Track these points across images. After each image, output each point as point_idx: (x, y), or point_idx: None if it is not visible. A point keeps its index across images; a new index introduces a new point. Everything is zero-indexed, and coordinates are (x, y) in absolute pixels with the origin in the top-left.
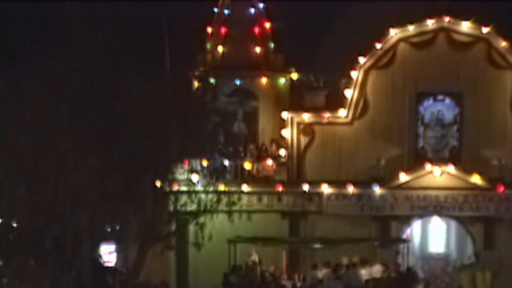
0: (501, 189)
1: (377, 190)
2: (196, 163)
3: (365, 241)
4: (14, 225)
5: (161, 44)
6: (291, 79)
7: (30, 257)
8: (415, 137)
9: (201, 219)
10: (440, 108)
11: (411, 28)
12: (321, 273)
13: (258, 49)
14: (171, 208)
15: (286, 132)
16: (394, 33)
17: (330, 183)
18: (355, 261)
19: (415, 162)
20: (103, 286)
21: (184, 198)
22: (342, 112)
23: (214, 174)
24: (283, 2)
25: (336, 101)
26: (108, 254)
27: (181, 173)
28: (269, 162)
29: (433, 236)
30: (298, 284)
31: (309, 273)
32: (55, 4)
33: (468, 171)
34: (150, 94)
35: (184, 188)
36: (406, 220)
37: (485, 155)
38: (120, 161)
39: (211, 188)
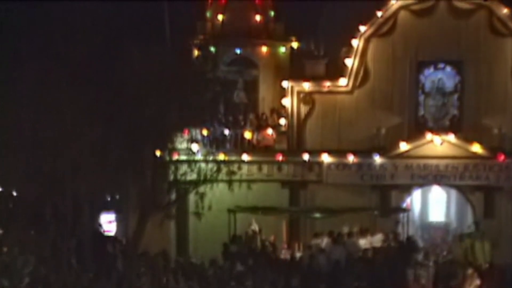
0: (501, 158)
1: (377, 159)
2: (196, 133)
3: (365, 210)
4: (14, 193)
5: (161, 13)
6: (291, 47)
7: (30, 225)
8: (415, 106)
9: (201, 189)
10: (440, 76)
11: None
12: (323, 242)
13: (258, 18)
14: (171, 177)
15: (286, 101)
16: (395, 1)
17: (330, 152)
18: (355, 231)
19: (415, 131)
20: (103, 255)
21: (184, 168)
22: (342, 81)
23: (214, 143)
24: None
25: (336, 70)
26: (108, 223)
27: (181, 143)
28: (269, 131)
29: (433, 205)
30: (298, 254)
31: (312, 241)
32: None
33: (469, 140)
34: (149, 62)
35: (184, 158)
36: (406, 189)
37: (485, 124)
38: (119, 130)
39: (211, 158)
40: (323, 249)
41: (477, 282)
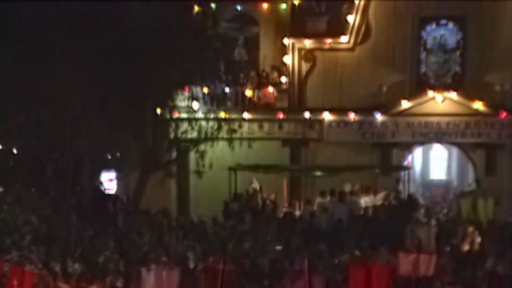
0: (503, 115)
1: (379, 117)
2: (196, 90)
3: (366, 168)
4: (14, 151)
5: None
6: (292, 4)
7: (31, 183)
8: (417, 63)
9: (202, 147)
10: (443, 33)
11: None
12: (326, 200)
13: None
14: (172, 135)
15: (287, 59)
16: None
17: (331, 110)
18: (355, 189)
19: (417, 88)
20: (103, 213)
21: (184, 126)
22: (344, 38)
23: (215, 101)
24: None
25: (338, 27)
26: (108, 181)
27: (181, 100)
28: (270, 89)
29: (434, 163)
30: (298, 212)
31: (317, 200)
32: None
33: (471, 97)
34: (150, 18)
35: (184, 115)
36: (407, 147)
37: (488, 80)
38: (120, 87)
39: (211, 116)
40: (326, 208)
41: (478, 239)
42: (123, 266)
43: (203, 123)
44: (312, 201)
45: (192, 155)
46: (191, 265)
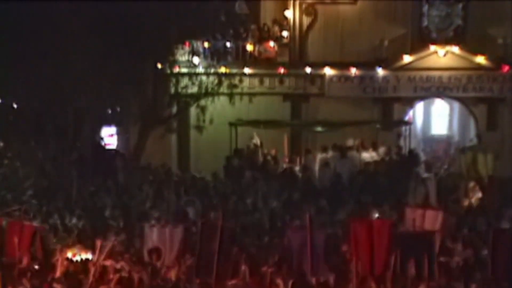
0: (505, 69)
1: (380, 71)
2: (197, 45)
3: (367, 123)
4: (14, 106)
5: None
6: None
7: (31, 138)
8: (419, 17)
9: (202, 102)
10: None
11: None
12: (328, 155)
13: None
14: (172, 90)
15: (288, 13)
16: None
17: (332, 64)
18: (356, 144)
19: (418, 42)
20: (104, 168)
21: (185, 80)
22: None
23: (215, 55)
24: None
25: None
26: (109, 136)
27: (182, 55)
28: (271, 43)
29: (436, 118)
30: (299, 167)
31: (319, 155)
32: None
33: (473, 51)
34: None
35: (185, 70)
36: (409, 102)
37: (490, 34)
38: (120, 42)
39: (212, 70)
40: (328, 163)
41: (479, 195)
42: (124, 221)
43: (204, 78)
44: (311, 152)
45: (193, 110)
46: (191, 221)
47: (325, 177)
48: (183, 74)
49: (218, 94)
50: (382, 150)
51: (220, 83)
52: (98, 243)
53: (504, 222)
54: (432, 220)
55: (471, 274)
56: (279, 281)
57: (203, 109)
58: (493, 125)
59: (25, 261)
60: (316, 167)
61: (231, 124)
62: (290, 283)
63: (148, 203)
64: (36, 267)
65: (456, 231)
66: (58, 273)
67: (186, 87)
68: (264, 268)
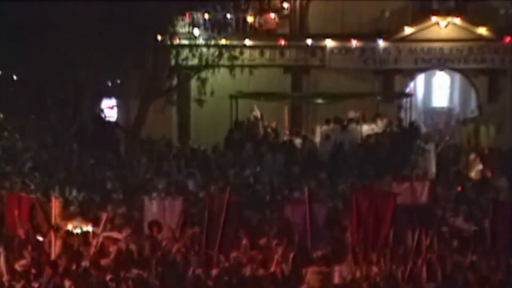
0: (507, 39)
1: (381, 43)
2: (197, 16)
3: (367, 95)
4: (14, 78)
5: None
6: None
7: (31, 111)
8: None
9: (203, 74)
10: None
11: None
12: (329, 127)
13: None
14: (172, 62)
15: None
16: None
17: (333, 36)
18: (357, 116)
19: (419, 13)
20: (104, 141)
21: (185, 52)
22: None
23: (216, 27)
24: None
25: None
26: (109, 109)
27: (182, 27)
28: (272, 15)
29: (437, 89)
30: (299, 140)
31: (321, 128)
32: None
33: (474, 22)
34: None
35: (185, 42)
36: (410, 74)
37: (492, 4)
38: (120, 13)
39: (212, 42)
40: (329, 135)
41: (480, 166)
42: (124, 194)
43: (204, 49)
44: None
45: (193, 83)
46: (191, 193)
47: (326, 149)
48: (183, 46)
49: (219, 66)
50: (382, 122)
51: (220, 55)
52: (99, 215)
53: (504, 194)
54: (420, 191)
55: (471, 246)
56: (280, 254)
57: (203, 81)
58: (494, 97)
59: (25, 233)
60: (317, 139)
61: (231, 97)
62: (291, 256)
63: (148, 175)
64: (38, 239)
65: (456, 204)
66: (58, 246)
67: (186, 59)
68: (265, 241)
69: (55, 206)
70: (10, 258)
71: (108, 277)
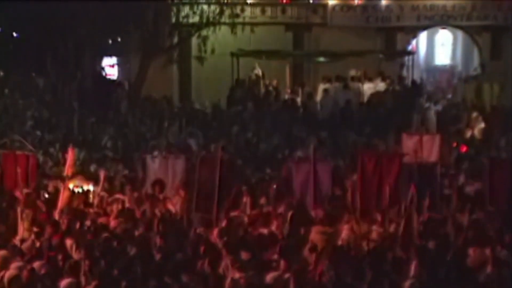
0: None
1: (383, 0)
2: None
3: (369, 53)
4: (14, 35)
5: None
6: None
7: (31, 68)
8: None
9: (204, 32)
10: None
11: None
12: (331, 86)
13: None
14: (173, 20)
15: None
16: None
17: None
18: (359, 74)
19: None
20: (105, 99)
21: (186, 10)
22: None
23: None
24: None
25: None
26: (110, 67)
27: None
28: None
29: (439, 47)
30: (300, 98)
31: (321, 86)
32: None
33: None
34: None
35: None
36: (412, 31)
37: None
38: None
39: None
40: (331, 94)
41: (482, 125)
42: (125, 153)
43: (205, 7)
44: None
45: (194, 40)
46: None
47: (328, 108)
48: (184, 3)
49: (220, 23)
50: (384, 80)
51: (221, 13)
52: (100, 174)
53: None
54: (429, 145)
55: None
56: (279, 213)
57: (204, 39)
58: (497, 54)
59: (23, 191)
60: (319, 97)
61: (232, 55)
62: (289, 214)
63: (149, 134)
64: (42, 198)
65: (457, 163)
66: (59, 205)
67: (187, 16)
68: (265, 200)
69: (70, 158)
70: (11, 217)
71: (110, 236)
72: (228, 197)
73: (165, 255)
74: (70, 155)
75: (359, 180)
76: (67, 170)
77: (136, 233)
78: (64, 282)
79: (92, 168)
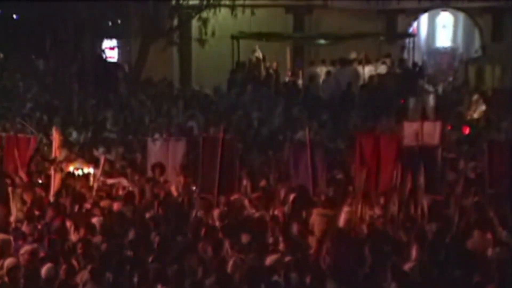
0: None
1: None
2: None
3: (370, 36)
4: (14, 17)
5: None
6: None
7: (31, 50)
8: None
9: (204, 14)
10: None
11: None
12: (332, 68)
13: None
14: (173, 2)
15: None
16: None
17: None
18: (360, 57)
19: None
20: (105, 82)
21: None
22: None
23: None
24: None
25: None
26: (110, 49)
27: None
28: None
29: (440, 30)
30: (301, 80)
31: (322, 68)
32: None
33: None
34: None
35: None
36: (413, 14)
37: None
38: None
39: None
40: (331, 76)
41: (483, 107)
42: (126, 135)
43: None
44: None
45: (194, 23)
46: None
47: (328, 90)
48: None
49: (220, 5)
50: (385, 63)
51: None
52: (100, 157)
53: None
54: (430, 132)
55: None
56: (281, 196)
57: (204, 22)
58: (499, 36)
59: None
60: (320, 80)
61: (233, 37)
62: (291, 197)
63: (149, 117)
64: (39, 181)
65: (458, 147)
66: (52, 188)
67: None
68: (265, 183)
69: (56, 140)
70: (12, 201)
71: (110, 218)
72: (229, 180)
73: (165, 239)
74: (56, 137)
75: (358, 163)
76: (55, 152)
77: (136, 216)
78: (45, 267)
79: (93, 150)
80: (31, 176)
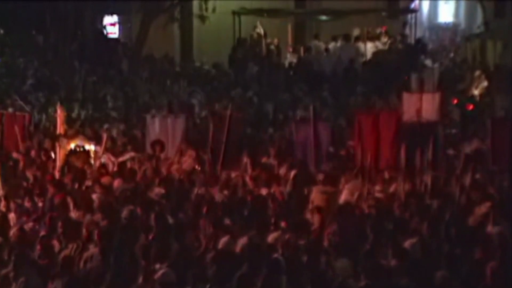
0: None
1: None
2: None
3: (372, 11)
4: None
5: None
6: None
7: (32, 27)
8: None
9: None
10: None
11: None
12: (334, 44)
13: None
14: None
15: None
16: None
17: None
18: (362, 33)
19: None
20: (106, 58)
21: None
22: None
23: None
24: None
25: None
26: (110, 25)
27: None
28: None
29: (442, 5)
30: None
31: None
32: None
33: None
34: None
35: None
36: None
37: None
38: None
39: None
40: (334, 52)
41: (485, 83)
42: (126, 112)
43: None
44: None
45: None
46: (194, 112)
47: (330, 66)
48: None
49: None
50: (387, 39)
51: None
52: (101, 134)
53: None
54: (430, 103)
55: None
56: (281, 173)
57: None
58: (501, 12)
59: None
60: (322, 56)
61: (234, 13)
62: (292, 174)
63: (150, 93)
64: (42, 158)
65: (461, 123)
66: (58, 164)
67: None
68: (266, 159)
69: (60, 117)
70: (13, 178)
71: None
72: (234, 156)
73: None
74: (60, 114)
75: (357, 141)
76: (59, 128)
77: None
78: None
79: (94, 127)
80: (29, 153)
